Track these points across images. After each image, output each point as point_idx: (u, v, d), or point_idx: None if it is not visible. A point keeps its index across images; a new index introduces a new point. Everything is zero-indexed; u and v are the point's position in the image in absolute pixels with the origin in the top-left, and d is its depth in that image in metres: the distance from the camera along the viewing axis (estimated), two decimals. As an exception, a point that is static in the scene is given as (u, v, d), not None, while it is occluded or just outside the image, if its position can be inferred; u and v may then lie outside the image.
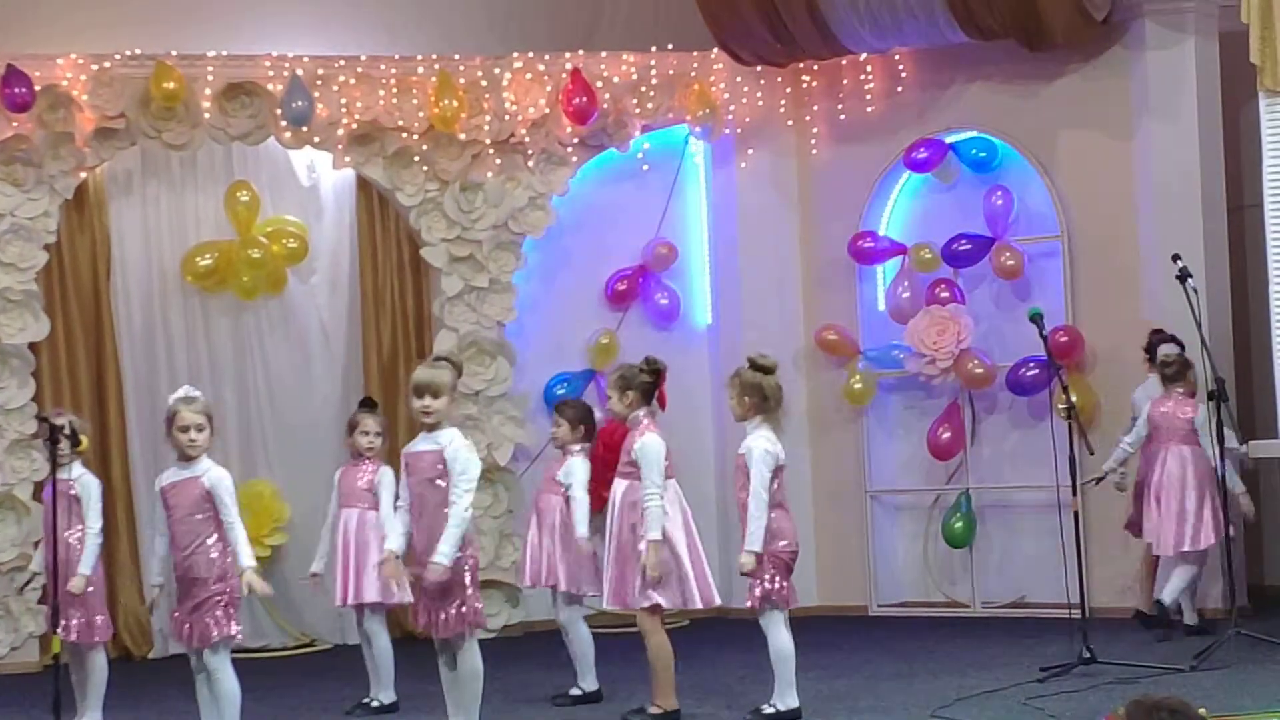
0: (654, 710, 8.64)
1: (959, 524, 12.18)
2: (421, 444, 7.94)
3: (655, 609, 8.57)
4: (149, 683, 10.51)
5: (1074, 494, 9.80)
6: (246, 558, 7.85)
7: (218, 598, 7.81)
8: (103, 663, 8.90)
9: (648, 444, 8.60)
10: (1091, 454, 10.07)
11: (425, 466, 7.85)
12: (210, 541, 7.82)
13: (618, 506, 8.67)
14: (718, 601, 8.79)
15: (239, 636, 7.95)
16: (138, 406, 12.02)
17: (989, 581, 12.22)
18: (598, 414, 10.08)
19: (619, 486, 8.70)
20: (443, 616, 7.83)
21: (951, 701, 8.75)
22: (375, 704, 9.42)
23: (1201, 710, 4.52)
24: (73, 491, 8.70)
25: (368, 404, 9.91)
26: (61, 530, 8.43)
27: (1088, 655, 9.32)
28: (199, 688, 8.02)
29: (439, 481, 7.81)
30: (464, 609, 7.82)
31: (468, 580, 7.87)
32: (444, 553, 7.68)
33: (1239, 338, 11.81)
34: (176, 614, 7.95)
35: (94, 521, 8.76)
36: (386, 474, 9.48)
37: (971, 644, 10.76)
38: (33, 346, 11.53)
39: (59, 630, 8.51)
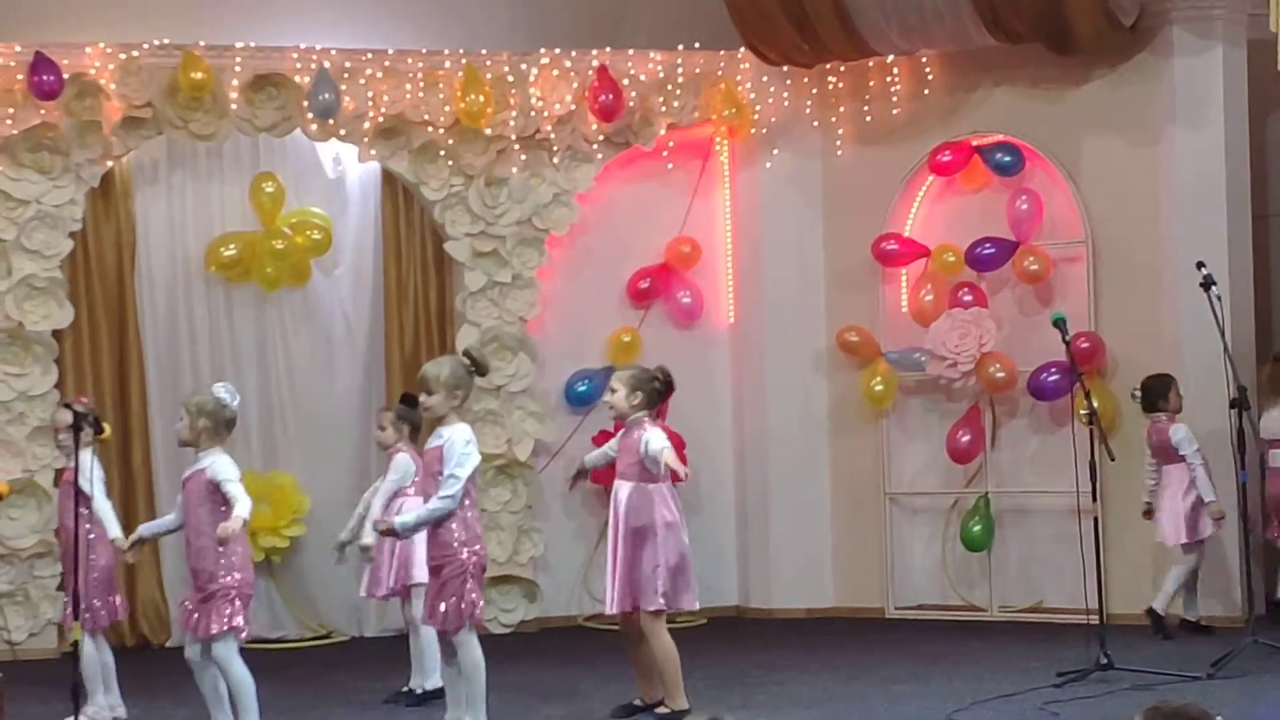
0: (663, 711, 8.62)
1: (977, 527, 12.14)
2: (431, 440, 8.10)
3: (661, 611, 8.55)
4: (166, 670, 10.52)
5: (1093, 499, 9.80)
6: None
7: (228, 590, 7.89)
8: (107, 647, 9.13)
9: (656, 434, 8.55)
10: (1112, 460, 10.03)
11: (430, 461, 8.04)
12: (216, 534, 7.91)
13: (621, 509, 8.55)
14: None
15: (245, 631, 8.00)
16: (160, 394, 12.03)
17: (1006, 586, 12.20)
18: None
19: (621, 488, 8.57)
20: (441, 609, 7.91)
21: (968, 705, 8.76)
22: (420, 691, 9.44)
23: (1219, 718, 4.51)
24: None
25: (405, 400, 9.85)
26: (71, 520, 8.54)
27: (1105, 661, 9.32)
28: (200, 680, 8.08)
29: (440, 475, 7.93)
30: (462, 603, 7.88)
31: (469, 575, 7.92)
32: (402, 522, 7.99)
33: (1262, 345, 11.79)
34: (186, 602, 8.05)
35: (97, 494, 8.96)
36: (399, 460, 9.54)
37: (988, 648, 10.75)
38: (56, 334, 11.56)
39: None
